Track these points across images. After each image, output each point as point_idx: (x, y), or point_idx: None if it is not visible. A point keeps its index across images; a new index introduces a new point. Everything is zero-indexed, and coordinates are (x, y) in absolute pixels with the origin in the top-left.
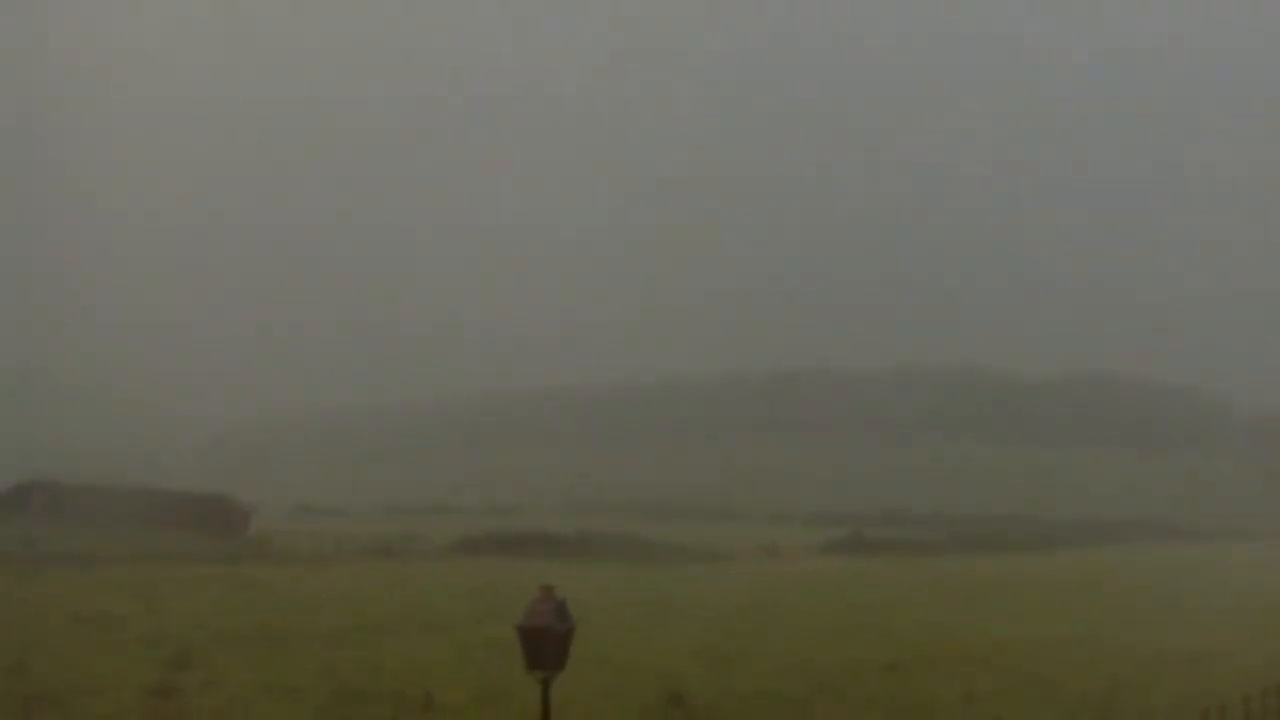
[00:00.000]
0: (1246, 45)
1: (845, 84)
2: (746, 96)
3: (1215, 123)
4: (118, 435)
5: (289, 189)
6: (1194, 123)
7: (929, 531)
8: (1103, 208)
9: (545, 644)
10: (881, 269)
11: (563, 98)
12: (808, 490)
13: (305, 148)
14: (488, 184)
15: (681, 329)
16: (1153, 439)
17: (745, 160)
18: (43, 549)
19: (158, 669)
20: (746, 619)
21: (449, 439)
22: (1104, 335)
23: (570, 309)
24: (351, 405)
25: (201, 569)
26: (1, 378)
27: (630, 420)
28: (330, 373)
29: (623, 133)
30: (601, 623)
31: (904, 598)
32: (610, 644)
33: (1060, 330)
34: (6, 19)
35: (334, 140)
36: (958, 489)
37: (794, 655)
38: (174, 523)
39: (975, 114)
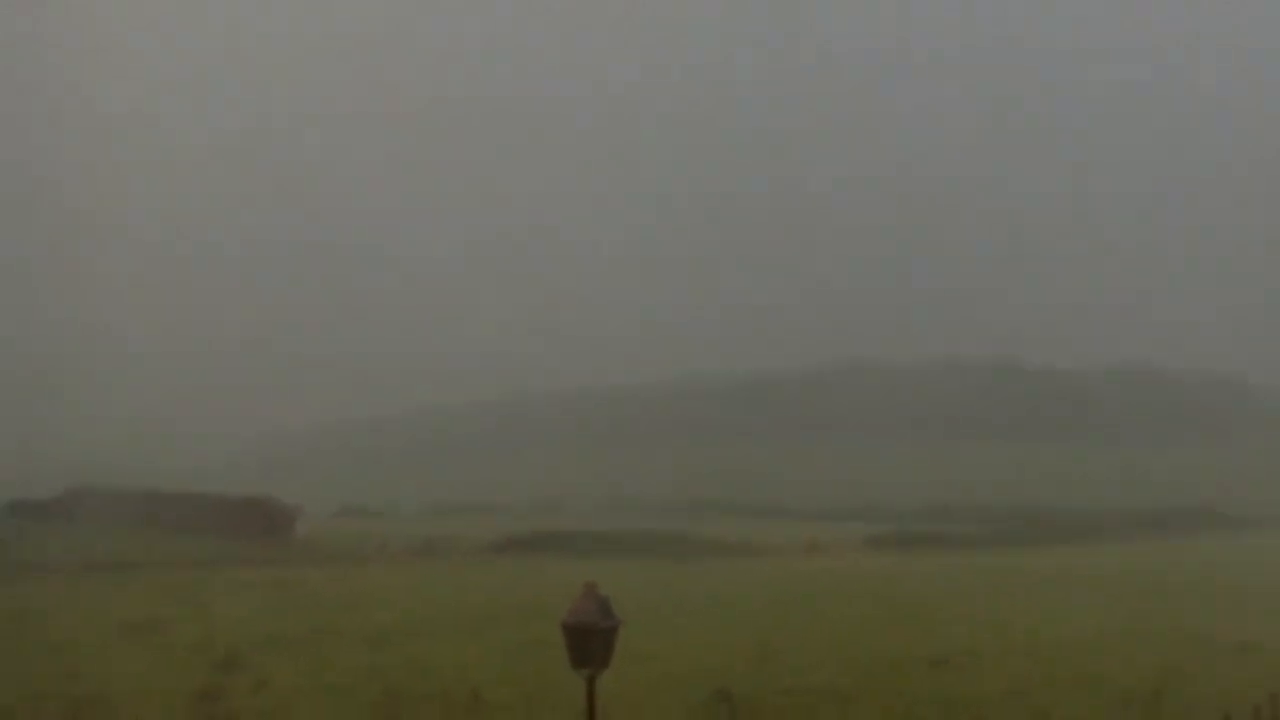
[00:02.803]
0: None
1: (872, 80)
2: (767, 97)
3: (1250, 106)
4: (159, 442)
5: (320, 197)
6: (1229, 108)
7: (971, 526)
8: (1141, 197)
9: (590, 641)
10: (917, 265)
11: (587, 98)
12: (848, 486)
13: (326, 156)
14: (519, 188)
15: (721, 328)
16: (1195, 429)
17: (775, 162)
18: (90, 555)
19: (206, 672)
20: (790, 615)
21: (490, 439)
22: (1142, 326)
23: (612, 308)
24: (392, 407)
25: (246, 572)
26: (40, 389)
27: (671, 419)
28: (371, 375)
29: (647, 132)
30: (645, 620)
31: (948, 592)
32: (655, 641)
33: (1097, 322)
34: (6, 18)
35: (355, 146)
36: (998, 483)
37: (839, 650)
38: (219, 527)
39: (1008, 112)
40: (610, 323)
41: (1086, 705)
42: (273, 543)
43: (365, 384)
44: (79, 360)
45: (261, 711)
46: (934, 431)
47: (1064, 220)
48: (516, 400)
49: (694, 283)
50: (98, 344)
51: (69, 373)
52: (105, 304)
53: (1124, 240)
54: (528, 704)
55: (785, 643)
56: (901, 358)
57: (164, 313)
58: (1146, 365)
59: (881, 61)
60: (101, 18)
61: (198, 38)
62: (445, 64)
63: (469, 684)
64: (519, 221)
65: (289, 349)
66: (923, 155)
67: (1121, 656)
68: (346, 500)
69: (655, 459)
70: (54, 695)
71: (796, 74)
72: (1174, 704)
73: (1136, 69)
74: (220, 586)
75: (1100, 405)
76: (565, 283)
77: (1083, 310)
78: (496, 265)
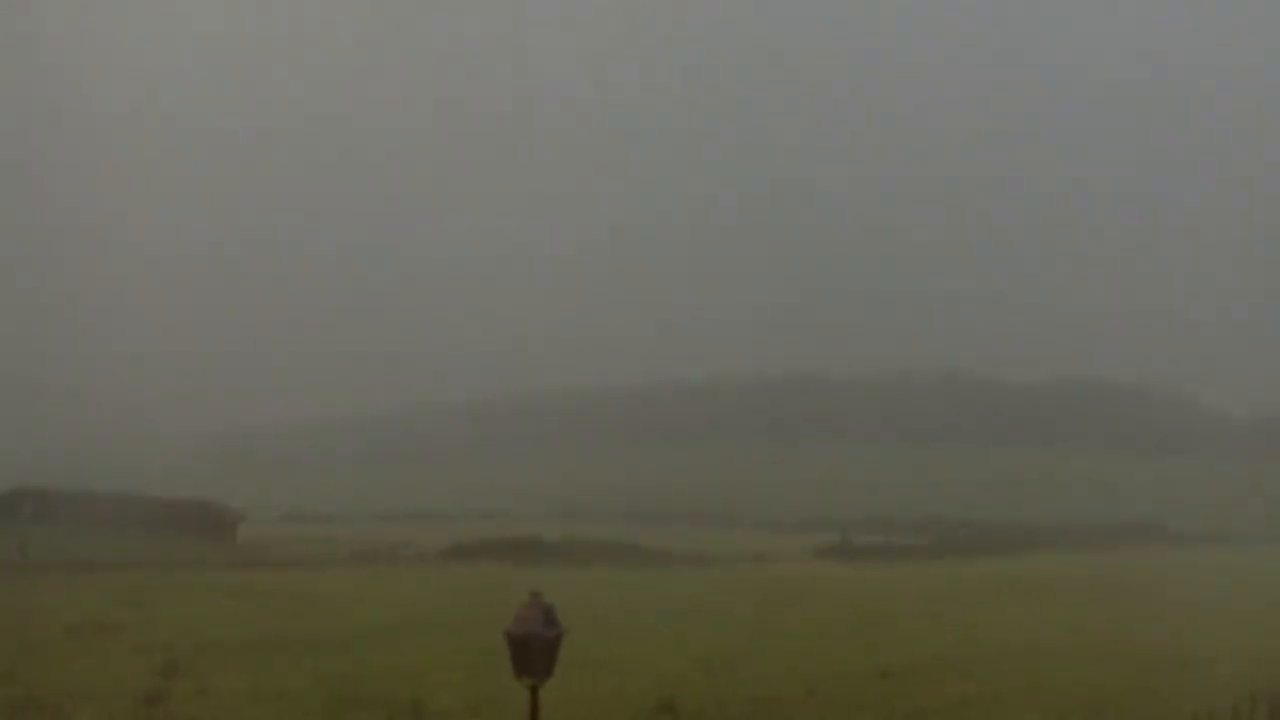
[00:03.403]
0: (1243, 53)
1: (837, 98)
2: (743, 107)
3: (1212, 125)
4: (105, 443)
5: (281, 199)
6: (1190, 125)
7: (919, 537)
8: (1091, 211)
9: (533, 650)
10: (869, 277)
11: (572, 103)
12: (797, 496)
13: (299, 155)
14: (483, 193)
15: (670, 336)
16: (1143, 443)
17: (738, 172)
18: (33, 556)
19: (149, 676)
20: (738, 625)
21: (438, 445)
22: (1093, 340)
23: (561, 315)
24: (340, 411)
25: (191, 576)
26: None
27: (620, 426)
28: (318, 379)
29: (627, 141)
30: (592, 629)
31: (895, 603)
32: (601, 650)
33: (1049, 335)
34: (6, 17)
35: (327, 147)
36: (947, 494)
37: (786, 661)
38: (163, 529)
39: (967, 121)
40: (561, 332)
41: (1031, 717)
42: (216, 547)
43: (315, 389)
44: (26, 361)
45: (204, 717)
46: (883, 442)
47: (1016, 234)
48: (467, 407)
49: (643, 294)
50: (48, 345)
51: (16, 373)
52: (55, 305)
53: (1075, 254)
54: (471, 713)
55: (732, 653)
56: (852, 369)
57: (114, 315)
58: (1096, 378)
59: (850, 72)
60: (100, 17)
61: (195, 37)
62: (445, 64)
63: (412, 692)
64: (477, 226)
65: (242, 352)
66: (876, 169)
67: (1063, 669)
68: (294, 505)
69: (606, 467)
70: None
71: (763, 92)
72: (1116, 716)
73: (1098, 88)
74: (164, 590)
75: (1049, 418)
76: (516, 290)
77: (1033, 323)
78: (450, 270)
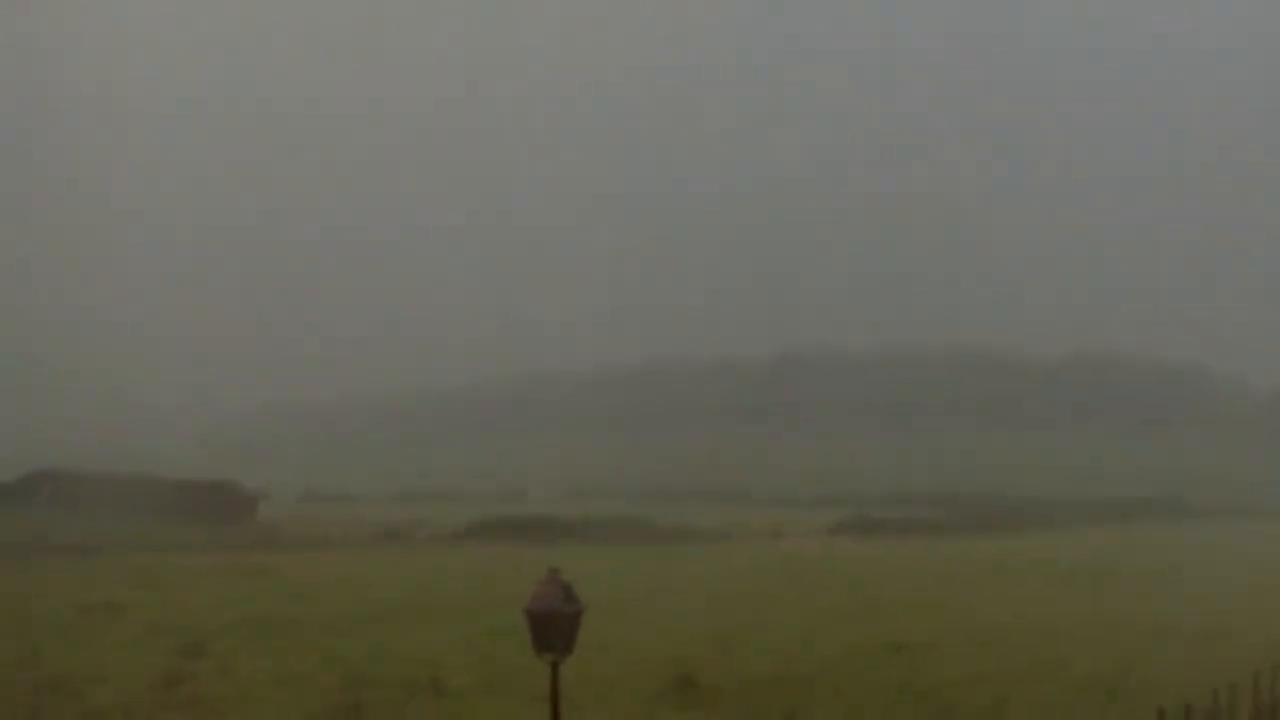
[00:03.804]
0: (1257, 25)
1: (841, 72)
2: (743, 85)
3: (1228, 99)
4: (122, 427)
5: (290, 180)
6: (1206, 98)
7: (934, 513)
8: (1106, 186)
9: (553, 627)
10: (883, 251)
11: (562, 95)
12: (812, 473)
13: (306, 140)
14: (489, 174)
15: (685, 314)
16: (1160, 419)
17: (743, 147)
18: (51, 539)
19: (167, 657)
20: (753, 601)
21: (455, 425)
22: (1109, 315)
23: (573, 295)
24: (357, 392)
25: (209, 557)
26: (2, 370)
27: (636, 405)
28: (336, 360)
29: (632, 122)
30: (609, 606)
31: (910, 579)
32: (618, 627)
33: (1064, 311)
34: (6, 18)
35: (335, 132)
36: (962, 470)
37: (801, 637)
38: (180, 511)
39: (976, 96)
40: (574, 310)
41: (1046, 692)
42: (234, 527)
43: (331, 370)
44: (43, 345)
45: (223, 697)
46: (898, 419)
47: (1030, 210)
48: (481, 387)
49: (658, 270)
50: (63, 329)
51: (33, 357)
52: (72, 290)
53: (1089, 231)
54: (490, 690)
55: (747, 629)
56: (866, 346)
57: (131, 298)
58: (1111, 356)
59: (854, 54)
60: (102, 16)
61: (199, 32)
62: (450, 54)
63: (431, 670)
64: (487, 210)
65: (257, 334)
66: (888, 144)
67: (1082, 643)
68: (311, 485)
69: (620, 446)
70: (15, 679)
71: (768, 65)
72: (1134, 691)
73: (1113, 64)
74: (184, 571)
75: (1064, 395)
76: (528, 270)
77: (1048, 300)
78: (460, 252)
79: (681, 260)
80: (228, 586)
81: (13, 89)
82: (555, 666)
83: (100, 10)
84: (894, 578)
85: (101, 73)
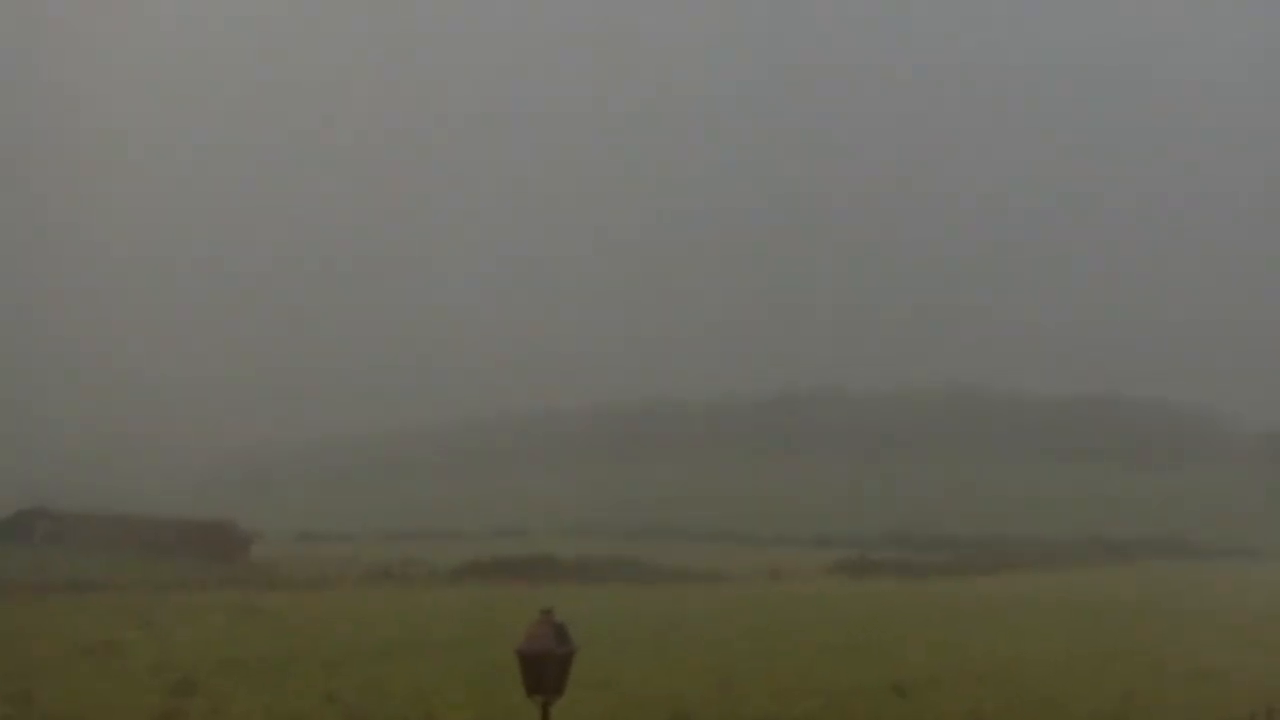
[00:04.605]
0: (1255, 71)
1: (845, 110)
2: (749, 122)
3: (1227, 140)
4: (117, 464)
5: (291, 220)
6: (1205, 141)
7: (934, 552)
8: (1108, 225)
9: (545, 668)
10: (887, 291)
11: (570, 120)
12: (811, 512)
13: (310, 181)
14: (494, 205)
15: (685, 352)
16: (1162, 458)
17: (749, 186)
18: (46, 577)
19: (162, 696)
20: (750, 641)
21: (451, 463)
22: (1110, 355)
23: (573, 332)
24: (352, 431)
25: (204, 596)
26: (3, 405)
27: (633, 442)
28: (331, 398)
29: (637, 161)
30: (605, 646)
31: (910, 618)
32: (614, 667)
33: (1065, 349)
34: (7, 16)
35: (339, 162)
36: (963, 509)
37: (799, 677)
38: (175, 550)
39: (983, 135)
40: (575, 347)
41: None
42: (228, 566)
43: (327, 408)
44: (39, 380)
45: None
46: (898, 457)
47: (1033, 248)
48: (479, 425)
49: (660, 308)
50: (60, 364)
51: (29, 392)
52: (67, 325)
53: (1092, 268)
54: None
55: (746, 670)
56: (866, 383)
57: (128, 334)
58: (1113, 394)
59: (858, 91)
60: (104, 22)
61: (207, 41)
62: (438, 81)
63: (426, 710)
64: (488, 244)
65: (254, 371)
66: (891, 180)
67: (1082, 682)
68: (307, 525)
69: (621, 483)
70: (8, 717)
71: (772, 101)
72: None
73: (1120, 102)
74: (178, 610)
75: (1065, 433)
76: (530, 308)
77: (1049, 336)
78: (460, 291)
79: (683, 298)
80: (223, 625)
81: (15, 122)
82: (546, 707)
83: (106, 41)
84: (893, 617)
85: (102, 101)
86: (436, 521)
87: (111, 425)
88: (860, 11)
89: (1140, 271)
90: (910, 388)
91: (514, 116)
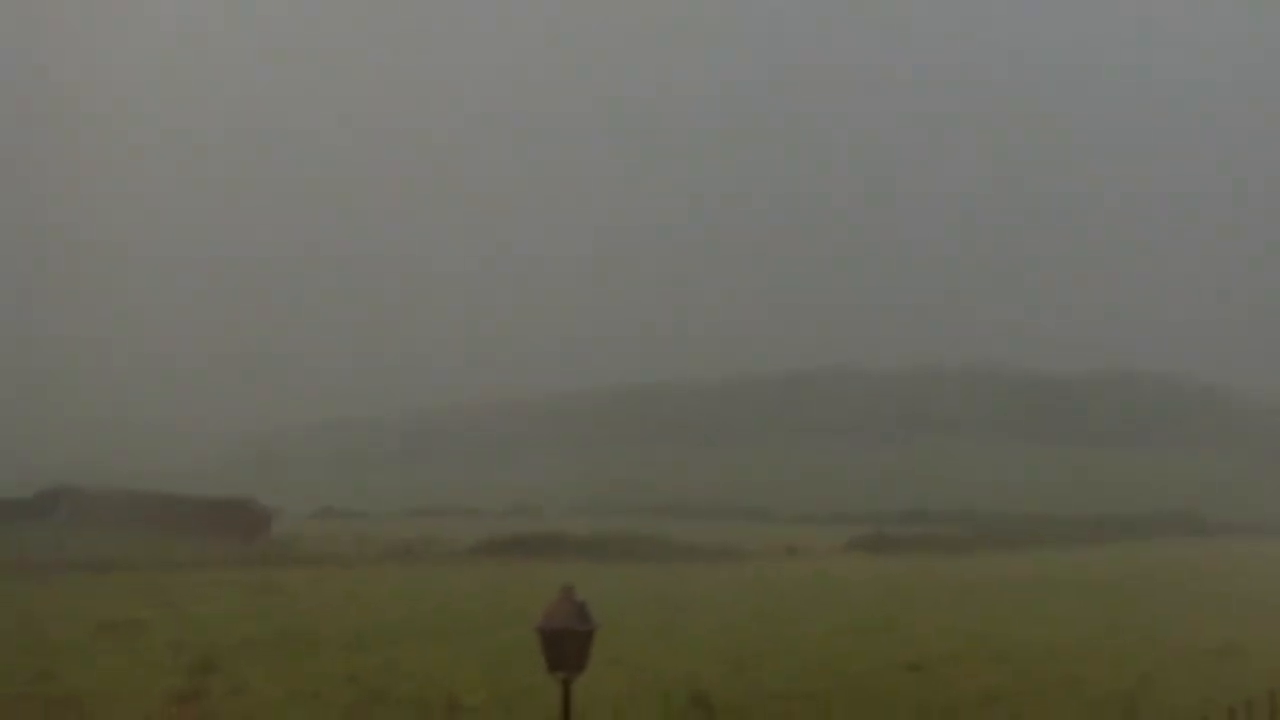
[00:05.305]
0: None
1: (853, 88)
2: (758, 99)
3: (1245, 117)
4: (137, 444)
5: (303, 201)
6: (1225, 113)
7: (951, 530)
8: (1121, 201)
9: (566, 645)
10: (901, 267)
11: (576, 105)
12: (828, 489)
13: (316, 154)
14: (502, 189)
15: (699, 330)
16: (1176, 434)
17: (759, 162)
18: (68, 555)
19: (182, 675)
20: (768, 619)
21: (469, 441)
22: (1125, 331)
23: (589, 311)
24: (370, 409)
25: (224, 573)
26: (21, 388)
27: (649, 421)
28: (349, 378)
29: (645, 139)
30: (622, 624)
31: (927, 597)
32: (632, 645)
33: (1080, 326)
34: (7, 16)
35: (346, 145)
36: (979, 487)
37: (816, 655)
38: (196, 528)
39: (990, 110)
40: (590, 326)
41: (1063, 709)
42: (249, 544)
43: (345, 386)
44: (59, 361)
45: (238, 714)
46: (915, 435)
47: (1046, 224)
48: (496, 402)
49: (674, 286)
50: (78, 345)
51: (48, 373)
52: (86, 306)
53: (1106, 244)
54: (504, 708)
55: (764, 647)
56: (882, 361)
57: (145, 314)
58: (1128, 369)
59: (864, 72)
60: (104, 22)
61: (207, 43)
62: (437, 74)
63: (446, 688)
64: (500, 225)
65: (270, 351)
66: (904, 161)
67: (1099, 660)
68: (326, 502)
69: (636, 462)
70: (29, 695)
71: (778, 85)
72: (1151, 708)
73: (1130, 80)
74: (197, 588)
75: (1081, 409)
76: (543, 286)
77: (1064, 314)
78: (475, 268)
79: (696, 278)
80: (243, 604)
81: (17, 106)
82: (567, 685)
83: (106, 41)
84: (910, 595)
85: (108, 91)
86: (454, 499)
87: (131, 407)
88: (860, 11)
89: (1154, 248)
90: (927, 366)
91: (521, 107)
